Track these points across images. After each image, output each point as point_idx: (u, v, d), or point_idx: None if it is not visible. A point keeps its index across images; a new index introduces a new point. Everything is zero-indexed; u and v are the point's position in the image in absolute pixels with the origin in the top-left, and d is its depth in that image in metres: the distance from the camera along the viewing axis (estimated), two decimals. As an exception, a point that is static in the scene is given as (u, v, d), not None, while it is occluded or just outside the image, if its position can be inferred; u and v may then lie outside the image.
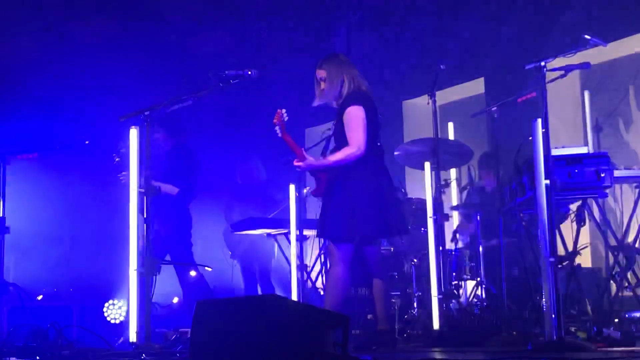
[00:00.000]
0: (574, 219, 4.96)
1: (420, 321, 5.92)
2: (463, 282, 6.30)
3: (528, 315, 5.42)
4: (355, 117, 4.96)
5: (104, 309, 7.96)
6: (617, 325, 4.76)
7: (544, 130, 4.28)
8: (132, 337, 4.88)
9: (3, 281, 6.53)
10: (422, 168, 6.09)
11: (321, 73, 5.12)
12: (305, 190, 6.53)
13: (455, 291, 6.12)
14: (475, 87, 8.25)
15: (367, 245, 5.10)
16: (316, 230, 5.30)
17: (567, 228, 5.09)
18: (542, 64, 4.36)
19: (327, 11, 8.95)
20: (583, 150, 4.68)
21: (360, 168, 4.97)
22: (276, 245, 7.21)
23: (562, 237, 4.99)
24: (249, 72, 4.96)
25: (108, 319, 7.95)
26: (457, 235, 6.63)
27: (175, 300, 7.78)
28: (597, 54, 6.42)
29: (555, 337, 4.11)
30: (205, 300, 3.56)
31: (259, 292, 7.60)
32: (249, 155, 7.92)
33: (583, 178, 4.56)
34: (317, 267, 6.77)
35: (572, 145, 4.72)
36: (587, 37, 4.42)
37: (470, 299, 6.25)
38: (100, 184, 7.76)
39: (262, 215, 7.19)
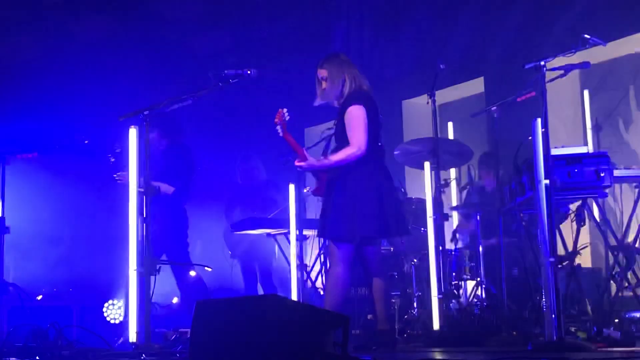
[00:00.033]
0: (574, 218, 4.95)
1: (420, 321, 5.92)
2: (463, 282, 6.30)
3: (528, 315, 5.41)
4: (356, 117, 4.96)
5: (104, 309, 7.95)
6: (617, 326, 4.75)
7: (543, 129, 4.28)
8: (132, 337, 4.88)
9: (3, 281, 6.53)
10: (422, 168, 6.09)
11: (322, 72, 5.12)
12: (305, 190, 6.53)
13: (455, 291, 6.12)
14: (475, 86, 8.25)
15: (368, 245, 5.10)
16: (317, 230, 5.30)
17: (567, 228, 5.09)
18: (542, 63, 4.35)
19: (327, 11, 8.95)
20: (583, 150, 4.67)
21: (361, 168, 4.97)
22: (276, 245, 7.21)
23: (562, 237, 4.99)
24: (249, 72, 4.96)
25: (108, 319, 7.94)
26: (457, 235, 6.63)
27: (175, 300, 7.78)
28: (597, 54, 6.43)
29: (555, 337, 4.11)
30: (205, 300, 3.56)
31: (260, 292, 7.60)
32: (249, 155, 7.91)
33: (583, 178, 4.55)
34: (317, 267, 6.77)
35: (571, 145, 4.71)
36: (586, 36, 4.42)
37: (470, 299, 6.25)
38: (100, 184, 7.75)
39: (263, 215, 7.19)
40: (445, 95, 7.94)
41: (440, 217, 5.74)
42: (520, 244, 5.85)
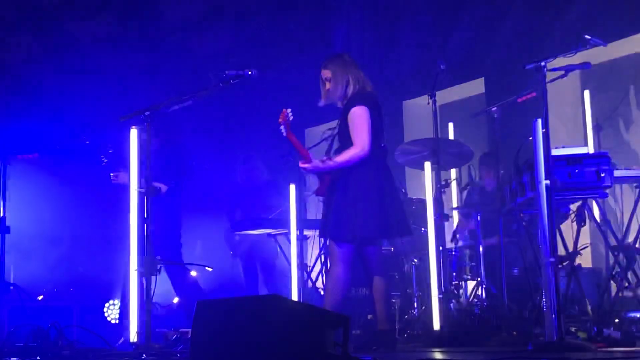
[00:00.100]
0: (574, 219, 4.96)
1: (420, 321, 5.92)
2: (463, 282, 6.30)
3: (528, 315, 5.41)
4: (359, 118, 4.96)
5: (104, 309, 7.95)
6: (617, 326, 4.75)
7: (544, 130, 4.28)
8: (133, 337, 4.88)
9: (4, 281, 6.53)
10: (422, 168, 6.09)
11: (326, 73, 5.12)
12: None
13: (455, 291, 6.12)
14: (476, 87, 8.26)
15: (368, 246, 5.10)
16: (319, 230, 5.30)
17: (567, 228, 5.10)
18: (543, 64, 4.35)
19: (327, 11, 8.95)
20: (583, 150, 4.67)
21: (363, 168, 4.96)
22: (277, 246, 7.21)
23: (562, 237, 4.99)
24: (249, 72, 4.96)
25: (108, 319, 7.94)
26: (457, 235, 6.63)
27: (176, 300, 7.78)
28: (598, 54, 6.42)
29: (555, 337, 4.11)
30: (206, 300, 3.56)
31: (262, 292, 7.59)
32: (250, 155, 7.91)
33: (583, 178, 4.55)
34: (318, 267, 6.77)
35: (572, 145, 4.71)
36: (587, 37, 4.42)
37: (470, 299, 6.25)
38: (100, 184, 7.75)
39: (264, 216, 7.19)
40: (446, 95, 7.94)
41: (441, 218, 5.74)
42: (521, 244, 5.86)
